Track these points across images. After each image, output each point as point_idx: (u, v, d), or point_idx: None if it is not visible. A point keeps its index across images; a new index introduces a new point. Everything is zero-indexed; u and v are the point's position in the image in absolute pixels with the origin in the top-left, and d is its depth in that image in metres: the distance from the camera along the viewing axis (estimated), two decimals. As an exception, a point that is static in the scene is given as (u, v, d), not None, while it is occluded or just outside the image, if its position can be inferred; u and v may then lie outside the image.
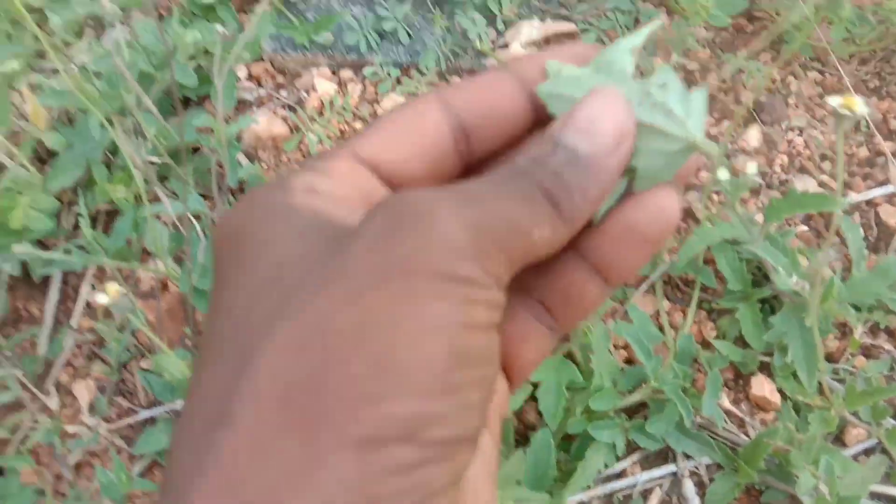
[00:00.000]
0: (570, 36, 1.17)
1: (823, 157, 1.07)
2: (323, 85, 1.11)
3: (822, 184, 1.04)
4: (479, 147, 0.29)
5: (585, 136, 0.25)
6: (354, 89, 1.12)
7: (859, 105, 0.58)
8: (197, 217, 0.97)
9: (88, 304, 1.04)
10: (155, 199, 0.98)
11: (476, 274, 0.23)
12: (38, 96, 0.98)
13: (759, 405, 0.89)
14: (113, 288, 0.72)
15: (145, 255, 1.03)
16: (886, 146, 1.06)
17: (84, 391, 0.98)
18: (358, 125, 1.09)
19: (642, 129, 0.26)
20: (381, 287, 0.22)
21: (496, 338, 0.25)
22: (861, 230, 0.96)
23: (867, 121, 1.08)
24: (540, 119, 0.29)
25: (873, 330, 0.95)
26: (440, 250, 0.23)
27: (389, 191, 0.29)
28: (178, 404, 0.92)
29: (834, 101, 0.59)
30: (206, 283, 0.90)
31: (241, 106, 1.11)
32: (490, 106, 0.29)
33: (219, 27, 0.82)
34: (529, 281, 0.29)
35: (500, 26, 1.17)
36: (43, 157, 1.09)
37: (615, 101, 0.26)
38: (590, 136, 0.25)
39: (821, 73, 1.17)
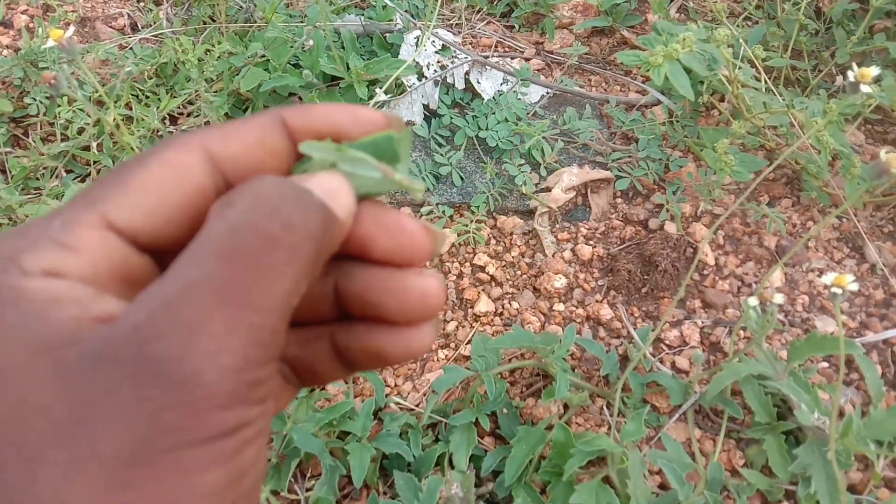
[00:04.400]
0: (606, 181, 1.30)
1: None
2: (384, 221, 1.24)
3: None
4: None
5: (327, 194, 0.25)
6: (412, 225, 1.25)
7: (850, 283, 0.68)
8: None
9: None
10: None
11: (248, 415, 0.22)
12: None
13: (787, 534, 0.95)
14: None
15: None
16: (901, 289, 1.15)
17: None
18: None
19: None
20: (146, 468, 0.20)
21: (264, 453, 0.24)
22: (878, 368, 1.04)
23: (882, 265, 1.18)
24: None
25: (895, 463, 1.00)
26: (206, 410, 0.21)
27: (145, 259, 0.26)
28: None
29: (827, 279, 0.69)
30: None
31: (312, 238, 1.24)
32: (254, 159, 0.27)
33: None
34: (287, 348, 0.29)
35: (543, 172, 1.30)
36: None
37: (347, 187, 0.26)
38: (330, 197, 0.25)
39: (838, 217, 1.28)
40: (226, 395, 0.21)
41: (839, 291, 0.69)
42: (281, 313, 0.23)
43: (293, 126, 0.27)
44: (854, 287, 0.69)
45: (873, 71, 0.74)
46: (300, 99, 1.39)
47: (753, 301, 0.86)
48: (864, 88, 0.75)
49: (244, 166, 0.26)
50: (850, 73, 0.74)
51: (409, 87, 1.36)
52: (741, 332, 1.11)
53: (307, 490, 0.99)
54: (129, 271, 0.25)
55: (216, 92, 1.37)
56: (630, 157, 1.33)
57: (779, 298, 0.84)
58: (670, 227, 1.23)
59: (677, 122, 1.39)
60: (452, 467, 0.99)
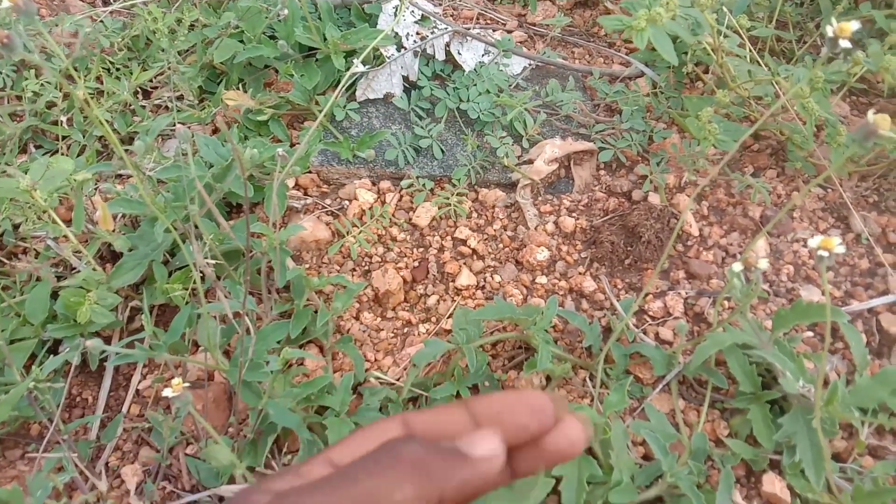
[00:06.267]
0: (589, 153, 1.28)
1: (827, 268, 1.14)
2: (364, 195, 1.21)
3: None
4: None
5: (474, 444, 0.35)
6: (392, 199, 1.22)
7: (837, 246, 0.66)
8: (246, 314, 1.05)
9: (138, 392, 1.11)
10: (206, 294, 1.07)
11: None
12: (108, 203, 1.09)
13: (770, 502, 0.94)
14: (177, 383, 0.78)
15: (194, 347, 1.11)
16: (886, 258, 1.14)
17: (131, 475, 1.03)
18: (395, 231, 1.19)
19: None
20: None
21: None
22: (864, 337, 1.02)
23: (867, 235, 1.16)
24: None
25: (880, 431, 0.99)
26: None
27: None
28: (222, 489, 0.98)
29: (813, 241, 0.67)
30: (253, 377, 0.97)
31: (289, 212, 1.21)
32: (442, 431, 0.37)
33: (280, 150, 0.93)
34: None
35: (525, 144, 1.28)
36: (105, 256, 1.20)
37: (496, 437, 0.36)
38: (476, 445, 0.35)
39: (823, 188, 1.26)
40: None
41: (826, 254, 0.67)
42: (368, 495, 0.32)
43: (476, 410, 0.38)
44: (841, 250, 0.67)
45: (853, 25, 0.71)
46: (276, 71, 1.35)
47: (738, 267, 0.84)
48: (844, 44, 0.72)
49: (431, 435, 0.37)
50: (828, 29, 0.72)
51: (388, 58, 1.33)
52: (725, 301, 1.10)
53: (284, 465, 0.97)
54: None
55: (189, 64, 1.33)
56: (613, 128, 1.31)
57: (763, 263, 0.82)
58: (654, 199, 1.21)
59: (661, 93, 1.37)
60: (433, 441, 0.97)
